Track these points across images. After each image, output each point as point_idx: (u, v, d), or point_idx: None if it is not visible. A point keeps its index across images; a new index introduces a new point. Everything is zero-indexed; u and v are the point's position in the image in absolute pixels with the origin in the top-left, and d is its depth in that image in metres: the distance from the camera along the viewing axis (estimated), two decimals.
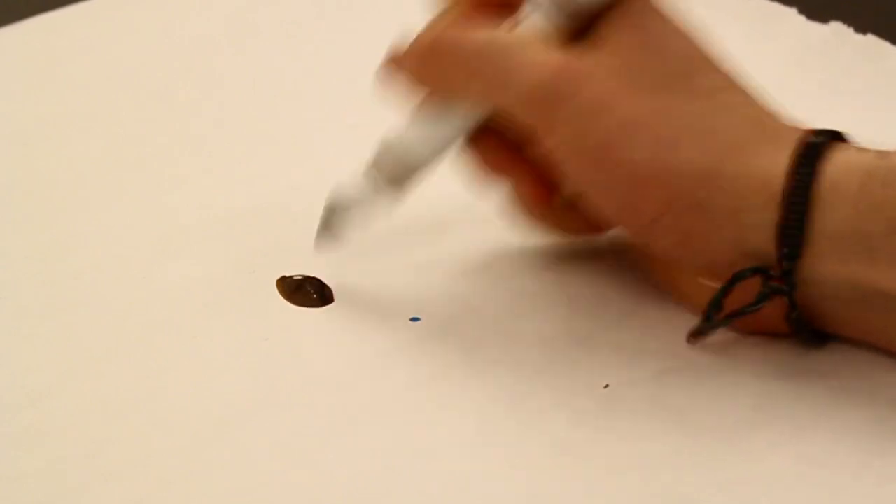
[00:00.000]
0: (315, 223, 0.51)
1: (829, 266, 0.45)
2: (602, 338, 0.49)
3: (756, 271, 0.46)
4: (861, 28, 0.62)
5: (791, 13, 0.65)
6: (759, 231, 0.46)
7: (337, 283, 0.52)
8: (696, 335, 0.48)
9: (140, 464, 0.44)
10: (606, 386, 0.47)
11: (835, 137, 0.47)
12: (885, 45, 0.62)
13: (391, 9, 0.67)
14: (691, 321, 0.48)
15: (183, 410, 0.46)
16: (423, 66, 0.50)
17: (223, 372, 0.48)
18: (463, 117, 0.50)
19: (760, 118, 0.47)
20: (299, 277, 0.52)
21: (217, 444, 0.45)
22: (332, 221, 0.51)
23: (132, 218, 0.56)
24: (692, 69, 0.48)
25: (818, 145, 0.46)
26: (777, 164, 0.46)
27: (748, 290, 0.46)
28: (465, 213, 0.55)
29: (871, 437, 0.44)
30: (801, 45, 0.62)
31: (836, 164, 0.45)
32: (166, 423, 0.46)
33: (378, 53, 0.51)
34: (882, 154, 0.45)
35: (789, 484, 0.43)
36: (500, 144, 0.50)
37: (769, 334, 0.48)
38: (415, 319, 0.50)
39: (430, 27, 0.50)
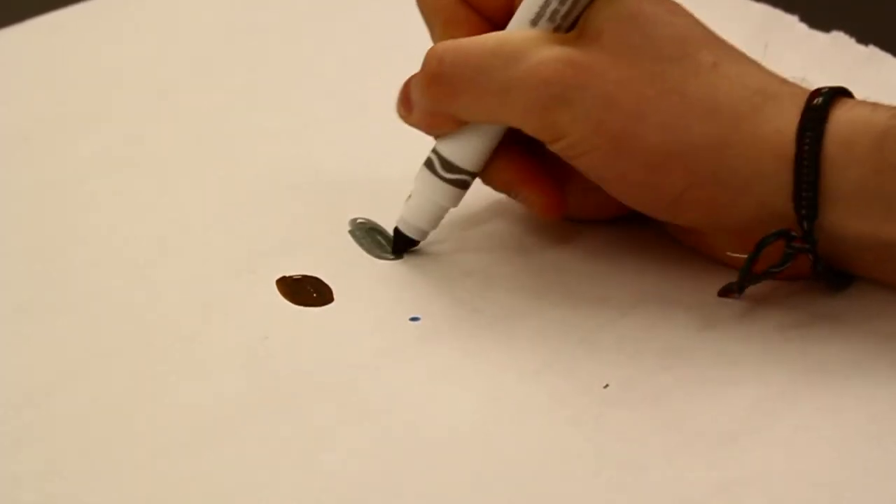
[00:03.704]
0: (314, 222, 0.51)
1: (849, 223, 0.47)
2: (602, 337, 0.49)
3: (779, 235, 0.47)
4: (863, 39, 0.63)
5: (793, 21, 0.65)
6: (777, 194, 0.47)
7: (337, 283, 0.52)
8: (727, 293, 0.49)
9: (140, 464, 0.44)
10: (606, 386, 0.47)
11: (840, 93, 0.48)
12: (886, 57, 0.62)
13: (391, 8, 0.67)
14: (691, 319, 0.48)
15: (183, 410, 0.46)
16: (434, 102, 0.50)
17: (223, 372, 0.48)
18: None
19: (764, 84, 0.48)
20: (299, 277, 0.52)
21: (217, 443, 0.45)
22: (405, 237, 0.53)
23: (132, 217, 0.56)
24: (690, 47, 0.48)
25: (823, 107, 0.47)
26: (786, 128, 0.47)
27: (777, 245, 0.47)
28: (465, 213, 0.55)
29: (870, 438, 0.44)
30: (802, 53, 0.62)
31: (845, 124, 0.46)
32: (166, 423, 0.46)
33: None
34: None
35: (789, 484, 0.43)
36: (511, 159, 0.51)
37: (800, 279, 0.49)
38: (415, 319, 0.50)
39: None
